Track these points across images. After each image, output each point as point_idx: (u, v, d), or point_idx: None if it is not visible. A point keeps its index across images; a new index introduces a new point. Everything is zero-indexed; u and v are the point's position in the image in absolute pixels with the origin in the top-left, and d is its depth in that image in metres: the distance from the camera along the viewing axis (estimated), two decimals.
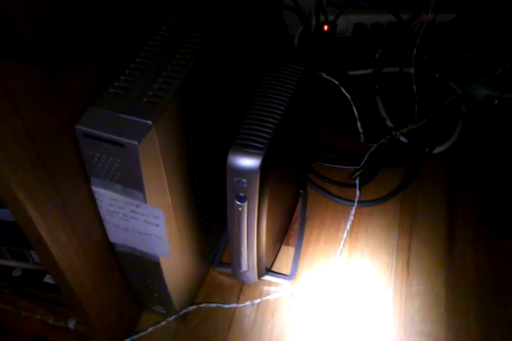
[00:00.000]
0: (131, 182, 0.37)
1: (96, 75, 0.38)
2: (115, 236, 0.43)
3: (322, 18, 0.80)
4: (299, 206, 0.69)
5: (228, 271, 0.59)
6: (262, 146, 0.43)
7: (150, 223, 0.40)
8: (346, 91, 0.63)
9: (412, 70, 0.75)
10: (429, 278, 0.60)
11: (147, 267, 0.45)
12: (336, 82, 0.62)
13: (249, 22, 0.56)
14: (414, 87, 0.75)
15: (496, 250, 0.63)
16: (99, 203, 0.40)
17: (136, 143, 0.34)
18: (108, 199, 0.39)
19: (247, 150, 0.43)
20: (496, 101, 0.78)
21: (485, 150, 0.74)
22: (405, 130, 0.73)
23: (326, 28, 0.82)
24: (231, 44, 0.48)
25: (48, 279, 0.50)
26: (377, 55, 0.83)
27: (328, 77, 0.61)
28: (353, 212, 0.66)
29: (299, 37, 0.85)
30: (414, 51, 0.74)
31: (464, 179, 0.71)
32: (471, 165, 0.73)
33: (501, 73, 0.74)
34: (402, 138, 0.74)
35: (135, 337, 0.49)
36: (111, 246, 0.45)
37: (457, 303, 0.58)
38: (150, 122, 0.35)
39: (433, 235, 0.65)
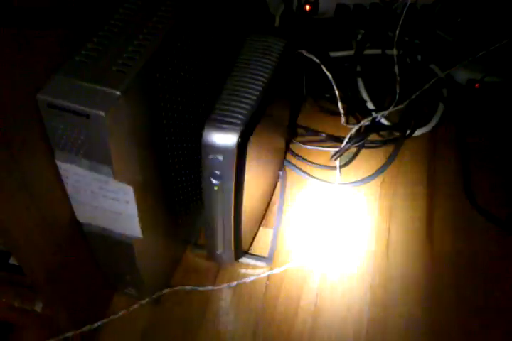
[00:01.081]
0: (98, 157, 0.35)
1: (61, 42, 0.35)
2: (83, 215, 0.41)
3: None
4: (278, 187, 0.67)
5: (204, 253, 0.58)
6: (239, 122, 0.42)
7: (119, 200, 0.38)
8: (328, 72, 0.62)
9: (394, 52, 0.74)
10: (408, 261, 0.60)
11: (117, 248, 0.44)
12: (317, 61, 0.60)
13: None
14: (396, 69, 0.74)
15: (474, 232, 0.63)
16: (64, 179, 0.38)
17: (103, 113, 0.32)
18: (74, 174, 0.37)
19: (223, 125, 0.41)
20: (478, 85, 0.77)
21: (466, 133, 0.74)
22: (386, 112, 0.72)
23: (307, 7, 0.79)
24: (208, 17, 0.46)
25: (13, 260, 0.48)
26: (360, 36, 0.82)
27: (309, 55, 0.60)
28: (333, 193, 0.65)
29: (281, 17, 0.83)
30: (397, 33, 0.73)
31: (444, 161, 0.71)
32: (451, 148, 0.72)
33: (483, 56, 0.73)
34: (384, 120, 0.73)
35: (105, 320, 0.48)
36: (79, 225, 0.43)
37: (435, 289, 0.58)
38: (118, 92, 0.33)
39: (413, 218, 0.64)
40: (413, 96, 0.73)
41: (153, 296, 0.51)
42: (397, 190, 0.67)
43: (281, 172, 0.68)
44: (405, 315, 0.55)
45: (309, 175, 0.69)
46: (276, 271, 0.58)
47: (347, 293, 0.57)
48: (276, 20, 0.83)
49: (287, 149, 0.71)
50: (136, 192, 0.38)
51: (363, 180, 0.68)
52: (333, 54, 0.81)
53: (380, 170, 0.69)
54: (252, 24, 0.75)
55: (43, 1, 0.32)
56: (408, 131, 0.73)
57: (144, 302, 0.50)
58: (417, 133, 0.74)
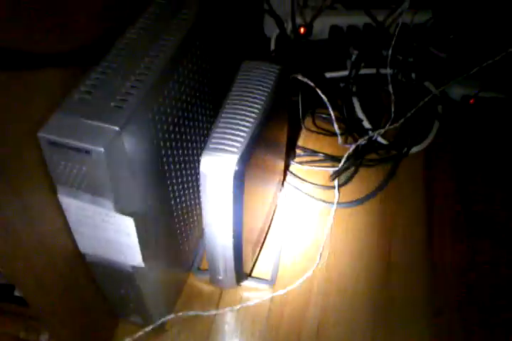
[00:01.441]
0: (99, 191, 0.36)
1: (61, 81, 0.36)
2: (85, 246, 0.42)
3: (298, 20, 0.80)
4: (278, 209, 0.68)
5: (207, 277, 0.58)
6: (235, 150, 0.42)
7: (120, 232, 0.39)
8: (322, 93, 0.63)
9: (388, 71, 0.75)
10: (409, 279, 0.60)
11: (120, 277, 0.44)
12: (312, 84, 0.61)
13: (225, 24, 0.55)
14: (391, 87, 0.75)
15: (474, 249, 0.63)
16: (66, 213, 0.39)
17: (102, 149, 0.33)
18: (76, 208, 0.38)
19: (219, 154, 0.42)
20: (472, 101, 0.78)
21: (462, 150, 0.74)
22: (382, 131, 0.73)
23: (302, 30, 0.81)
24: (204, 47, 0.48)
25: (18, 293, 0.49)
26: (354, 56, 0.83)
27: (304, 79, 0.61)
28: (332, 213, 0.66)
29: (276, 40, 0.85)
30: (390, 52, 0.74)
31: (441, 178, 0.71)
32: (448, 165, 0.73)
33: (477, 72, 0.74)
34: (380, 139, 0.74)
35: None
36: (82, 256, 0.43)
37: (438, 304, 0.58)
38: (117, 128, 0.34)
39: (412, 235, 0.64)
40: (408, 114, 0.74)
41: (158, 323, 0.51)
42: (396, 208, 0.68)
43: (280, 194, 0.69)
44: (410, 335, 0.55)
45: (308, 195, 0.69)
46: (278, 293, 0.58)
47: (350, 314, 0.57)
48: (271, 44, 0.85)
49: (286, 171, 0.72)
50: (137, 223, 0.38)
51: (362, 199, 0.69)
52: (328, 74, 0.82)
53: (378, 189, 0.70)
54: (248, 48, 0.77)
55: (44, 44, 0.34)
56: (405, 149, 0.74)
57: (148, 329, 0.50)
58: (414, 150, 0.75)
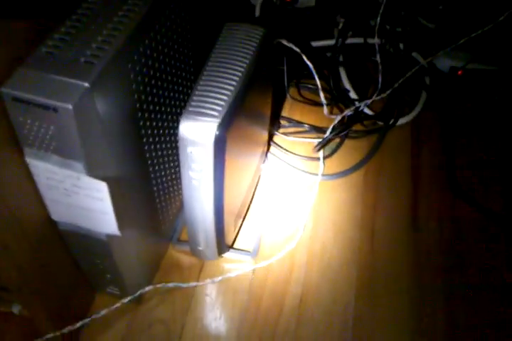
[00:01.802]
0: (69, 152, 0.34)
1: (27, 33, 0.34)
2: (57, 213, 0.40)
3: None
4: (261, 180, 0.66)
5: (187, 249, 0.57)
6: (216, 114, 0.40)
7: (93, 197, 0.37)
8: (308, 60, 0.61)
9: (376, 41, 0.73)
10: (392, 251, 0.59)
11: (95, 246, 0.42)
12: (298, 50, 0.59)
13: None
14: (378, 57, 0.73)
15: (459, 220, 0.62)
16: (35, 177, 0.36)
17: (71, 106, 0.31)
18: (45, 172, 0.36)
19: (200, 118, 0.40)
20: (460, 72, 0.77)
21: (449, 121, 0.73)
22: (369, 101, 0.71)
23: None
24: (183, 5, 0.45)
25: None
26: (341, 25, 0.80)
27: (289, 44, 0.58)
28: (316, 185, 0.64)
29: (261, 7, 0.82)
30: (378, 21, 0.72)
31: (427, 150, 0.70)
32: (434, 137, 0.72)
33: (465, 43, 0.73)
34: (367, 110, 0.73)
35: (87, 320, 0.46)
36: (54, 224, 0.41)
37: (421, 277, 0.57)
38: (86, 84, 0.32)
39: (397, 208, 0.64)
40: (396, 85, 0.72)
41: (136, 294, 0.50)
42: (381, 180, 0.67)
43: (264, 165, 0.67)
44: (391, 306, 0.55)
45: (293, 166, 0.68)
46: (260, 265, 0.57)
47: (332, 285, 0.56)
48: (256, 10, 0.82)
49: (270, 141, 0.70)
50: (110, 188, 0.36)
51: (347, 171, 0.68)
52: (314, 43, 0.80)
53: (364, 161, 0.69)
54: (231, 14, 0.74)
55: None
56: (391, 121, 0.72)
57: (126, 300, 0.49)
58: (401, 122, 0.73)
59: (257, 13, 0.81)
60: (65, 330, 0.45)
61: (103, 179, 0.36)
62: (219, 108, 0.41)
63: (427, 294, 0.56)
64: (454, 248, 0.60)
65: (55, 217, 0.40)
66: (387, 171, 0.68)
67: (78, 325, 0.45)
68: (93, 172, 0.35)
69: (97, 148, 0.35)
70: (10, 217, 0.36)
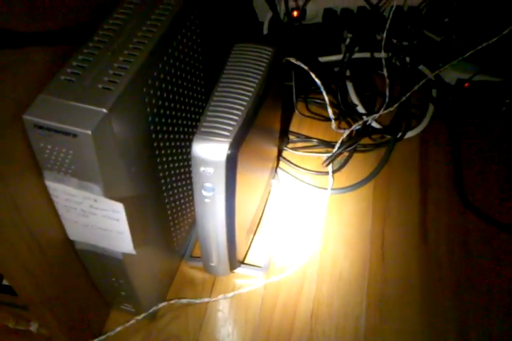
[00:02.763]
0: (87, 175, 0.35)
1: (46, 61, 0.35)
2: (74, 233, 0.41)
3: (291, 3, 0.78)
4: (272, 195, 0.67)
5: (200, 265, 0.58)
6: (228, 134, 0.41)
7: (110, 218, 0.38)
8: (316, 77, 0.62)
9: (383, 55, 0.74)
10: (403, 265, 0.60)
11: (110, 264, 0.43)
12: (305, 67, 0.60)
13: (216, 6, 0.54)
14: (385, 71, 0.74)
15: (469, 233, 0.63)
16: (54, 199, 0.37)
17: (90, 132, 0.32)
18: (63, 194, 0.37)
19: (211, 138, 0.41)
20: (467, 84, 0.77)
21: (456, 134, 0.74)
22: (377, 115, 0.72)
23: (295, 14, 0.79)
24: (195, 29, 0.46)
25: (6, 282, 0.48)
26: (348, 40, 0.82)
27: (297, 63, 0.59)
28: (326, 199, 0.65)
29: (269, 24, 0.83)
30: (384, 35, 0.73)
31: (435, 163, 0.71)
32: (442, 149, 0.72)
33: (471, 56, 0.73)
34: (374, 124, 0.73)
35: (102, 337, 0.47)
36: (71, 243, 0.42)
37: (432, 290, 0.57)
38: (104, 110, 0.33)
39: (406, 220, 0.64)
40: (403, 99, 0.73)
41: (150, 311, 0.51)
42: (390, 193, 0.67)
43: (274, 180, 0.68)
44: (403, 319, 0.55)
45: (302, 181, 0.68)
46: (272, 280, 0.57)
47: (343, 299, 0.57)
48: (264, 27, 0.83)
49: (279, 157, 0.71)
50: (126, 208, 0.37)
51: (356, 185, 0.68)
52: (322, 59, 0.81)
53: (372, 174, 0.69)
54: (240, 32, 0.75)
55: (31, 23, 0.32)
56: (399, 134, 0.73)
57: (140, 317, 0.50)
58: (409, 135, 0.74)
59: (265, 30, 0.83)
60: None
61: (119, 200, 0.37)
62: (230, 128, 0.42)
63: (438, 307, 0.56)
64: (463, 260, 0.60)
65: (72, 237, 0.41)
66: (396, 184, 0.68)
67: None
68: (110, 193, 0.36)
69: (113, 170, 0.36)
70: (30, 238, 0.37)
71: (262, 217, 0.64)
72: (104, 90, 0.34)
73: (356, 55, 0.80)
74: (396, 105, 0.72)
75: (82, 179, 0.35)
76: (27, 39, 0.33)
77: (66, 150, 0.33)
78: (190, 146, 0.41)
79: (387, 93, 0.73)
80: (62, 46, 0.36)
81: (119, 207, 0.37)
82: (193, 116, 0.50)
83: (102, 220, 0.38)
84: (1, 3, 0.30)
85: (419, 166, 0.71)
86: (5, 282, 0.48)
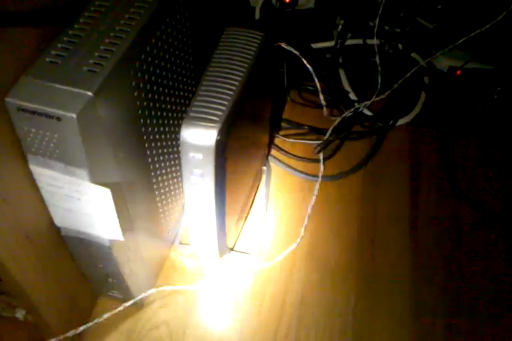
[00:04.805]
0: (72, 160, 0.34)
1: (30, 41, 0.34)
2: (59, 219, 0.40)
3: None
4: (263, 182, 0.67)
5: (189, 251, 0.57)
6: (217, 119, 0.41)
7: (97, 203, 0.37)
8: (308, 63, 0.61)
9: (375, 42, 0.73)
10: (392, 253, 0.60)
11: (97, 251, 0.43)
12: (297, 53, 0.59)
13: None
14: (377, 58, 0.73)
15: (459, 220, 0.63)
16: (39, 184, 0.37)
17: (75, 115, 0.31)
18: (48, 178, 0.36)
19: (201, 123, 0.40)
20: (459, 72, 0.77)
21: (448, 121, 0.73)
22: (369, 102, 0.71)
23: None
24: (184, 11, 0.45)
25: None
26: (340, 26, 0.81)
27: (288, 48, 0.59)
28: (317, 187, 0.65)
29: (260, 9, 0.82)
30: (377, 22, 0.72)
31: (426, 151, 0.71)
32: (434, 137, 0.72)
33: (464, 43, 0.73)
34: (366, 111, 0.73)
35: (90, 324, 0.47)
36: (57, 230, 0.42)
37: (421, 278, 0.58)
38: (89, 93, 0.32)
39: (397, 208, 0.64)
40: (395, 86, 0.73)
41: (138, 298, 0.50)
42: (381, 181, 0.67)
43: (265, 168, 0.68)
44: (392, 306, 0.55)
45: (293, 168, 0.68)
46: (261, 267, 0.57)
47: (333, 285, 0.57)
48: (256, 13, 0.82)
49: (271, 144, 0.70)
50: (113, 194, 0.37)
51: (347, 172, 0.68)
52: (314, 45, 0.80)
53: (363, 162, 0.69)
54: (231, 17, 0.74)
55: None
56: (391, 121, 0.72)
57: (128, 304, 0.49)
58: (400, 122, 0.73)
59: (257, 15, 0.82)
60: (69, 334, 0.45)
61: (106, 185, 0.36)
62: (219, 113, 0.41)
63: (427, 294, 0.56)
64: (453, 248, 0.60)
65: (58, 222, 0.41)
66: (387, 172, 0.68)
67: (81, 328, 0.46)
68: (96, 178, 0.35)
69: (100, 155, 0.35)
70: (15, 223, 0.36)
71: (252, 204, 0.64)
72: (89, 73, 0.33)
73: (349, 42, 0.79)
74: (388, 92, 0.72)
75: (67, 163, 0.35)
76: (12, 18, 0.32)
77: (50, 133, 0.33)
78: (179, 131, 0.40)
79: (379, 80, 0.72)
80: (47, 27, 0.35)
81: (105, 193, 0.36)
82: (182, 100, 0.50)
83: (88, 206, 0.38)
84: None
85: (410, 154, 0.70)
86: None
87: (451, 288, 0.57)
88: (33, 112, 0.32)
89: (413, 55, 0.79)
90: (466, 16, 0.78)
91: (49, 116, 0.31)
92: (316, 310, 0.55)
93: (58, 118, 0.31)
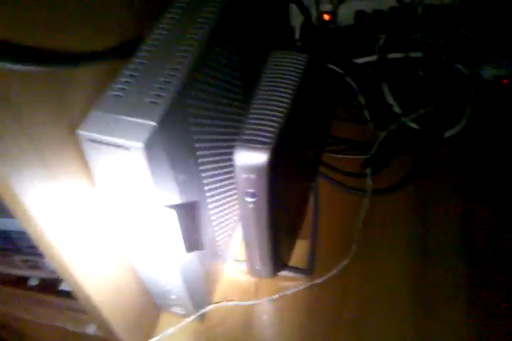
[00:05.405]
0: (140, 186, 0.37)
1: (94, 79, 0.37)
2: (128, 239, 0.43)
3: (323, 7, 0.79)
4: (312, 199, 0.68)
5: (244, 267, 0.59)
6: (268, 141, 0.42)
7: (163, 225, 0.40)
8: (352, 80, 0.62)
9: (418, 54, 0.74)
10: (448, 266, 0.59)
11: (162, 269, 0.45)
12: (340, 71, 0.61)
13: (252, 14, 0.55)
14: (421, 71, 0.73)
15: None
16: (108, 208, 0.40)
17: (142, 145, 0.34)
18: (117, 204, 0.39)
19: (253, 145, 0.42)
20: (505, 81, 0.76)
21: (497, 131, 0.72)
22: (414, 115, 0.72)
23: (327, 17, 0.80)
24: (231, 39, 0.48)
25: (64, 287, 0.50)
26: (381, 41, 0.81)
27: (332, 66, 0.60)
28: (366, 201, 0.65)
29: (301, 28, 0.84)
30: (419, 35, 0.73)
31: (476, 162, 0.70)
32: (483, 147, 0.71)
33: (509, 51, 0.72)
34: (412, 124, 0.73)
35: (156, 338, 0.49)
36: (124, 248, 0.44)
37: (479, 291, 0.57)
38: (154, 123, 0.35)
39: (450, 221, 0.63)
40: (440, 97, 0.73)
41: (199, 313, 0.52)
42: (432, 193, 0.67)
43: (313, 184, 0.69)
44: (452, 320, 0.55)
45: (341, 184, 0.69)
46: (316, 282, 0.58)
47: (389, 300, 0.57)
48: (296, 32, 0.84)
49: (319, 160, 0.72)
50: (178, 215, 0.39)
51: (395, 186, 0.68)
52: (356, 60, 0.81)
53: (412, 175, 0.69)
54: (274, 38, 0.76)
55: (76, 43, 0.34)
56: (438, 134, 0.72)
57: (190, 319, 0.51)
58: (447, 134, 0.73)
59: (297, 34, 0.84)
60: None
61: (170, 207, 0.39)
62: (270, 134, 0.43)
63: (484, 308, 0.55)
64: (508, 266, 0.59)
65: (126, 242, 0.44)
66: (437, 184, 0.68)
67: None
68: (162, 202, 0.38)
69: (163, 179, 0.38)
70: (89, 247, 0.39)
71: (302, 220, 0.65)
72: (151, 104, 0.36)
73: (391, 56, 0.80)
74: (433, 105, 0.72)
75: (134, 190, 0.37)
76: (82, 58, 0.35)
77: (119, 162, 0.36)
78: (231, 154, 0.42)
79: (424, 92, 0.72)
80: (108, 63, 0.38)
81: (171, 214, 0.39)
82: (233, 123, 0.52)
83: (155, 227, 0.40)
84: (57, 23, 0.32)
85: (458, 166, 0.70)
86: (61, 287, 0.51)
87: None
88: (103, 143, 0.35)
89: (458, 66, 0.78)
90: (509, 24, 0.77)
91: (118, 146, 0.34)
92: (374, 324, 0.55)
93: (126, 148, 0.34)
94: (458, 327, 0.54)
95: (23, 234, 0.43)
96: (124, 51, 0.39)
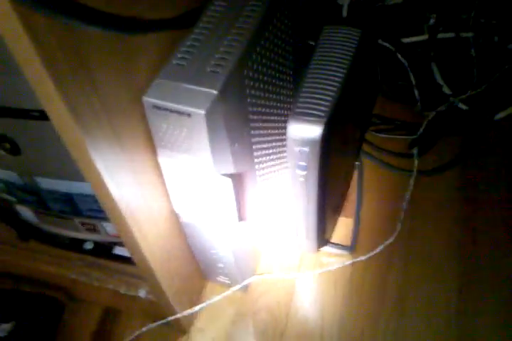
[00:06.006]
0: (198, 152, 0.38)
1: (157, 47, 0.38)
2: (181, 206, 0.44)
3: None
4: (355, 177, 0.68)
5: (289, 241, 0.60)
6: (322, 114, 0.43)
7: (218, 193, 0.41)
8: (404, 58, 0.61)
9: (470, 35, 0.72)
10: (495, 245, 0.59)
11: (212, 237, 0.46)
12: (392, 48, 0.60)
13: None
14: (473, 51, 0.71)
15: None
16: (164, 174, 0.41)
17: (203, 112, 0.34)
18: (174, 169, 0.40)
19: (307, 118, 0.42)
20: None
21: None
22: (464, 96, 0.70)
23: None
24: (285, 13, 0.48)
25: (117, 251, 0.52)
26: (432, 20, 0.80)
27: (385, 43, 0.60)
28: (412, 181, 0.65)
29: (348, 6, 0.83)
30: (472, 14, 0.71)
31: None
32: None
33: None
34: (461, 105, 0.72)
35: (204, 304, 0.51)
36: (176, 216, 0.46)
37: None
38: (215, 91, 0.35)
39: (498, 201, 0.62)
40: (492, 79, 0.71)
41: (244, 283, 0.54)
42: (478, 178, 0.66)
43: (358, 162, 0.69)
44: (496, 300, 0.54)
45: (387, 163, 0.69)
46: (359, 259, 0.59)
47: (433, 279, 0.57)
48: (343, 10, 0.83)
49: (363, 139, 0.71)
50: (234, 184, 0.40)
51: (443, 167, 0.67)
52: (404, 40, 0.79)
53: (459, 157, 0.68)
54: (322, 15, 0.76)
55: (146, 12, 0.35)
56: (488, 115, 0.71)
57: (235, 288, 0.53)
58: (498, 116, 0.71)
59: (345, 13, 0.83)
60: (185, 313, 0.49)
61: (225, 175, 0.40)
62: (324, 108, 0.43)
63: None
64: None
65: (177, 209, 0.45)
66: (486, 166, 0.67)
67: (196, 308, 0.50)
68: (218, 169, 0.39)
69: (220, 148, 0.39)
70: (147, 211, 0.40)
71: (345, 197, 0.66)
72: (212, 73, 0.37)
73: (441, 35, 0.78)
74: (484, 86, 0.70)
75: (193, 156, 0.38)
76: (149, 25, 0.36)
77: (180, 128, 0.36)
78: (282, 127, 0.42)
79: (475, 73, 0.71)
80: (172, 32, 0.39)
81: (227, 183, 0.40)
82: (285, 98, 0.52)
83: (210, 195, 0.41)
84: None
85: (509, 149, 0.68)
86: (115, 251, 0.53)
87: None
88: (166, 109, 0.35)
89: (510, 46, 0.76)
90: None
91: (180, 113, 0.35)
92: (417, 303, 0.55)
93: (189, 115, 0.35)
94: (504, 312, 0.54)
95: (85, 197, 0.45)
96: (187, 21, 0.39)
